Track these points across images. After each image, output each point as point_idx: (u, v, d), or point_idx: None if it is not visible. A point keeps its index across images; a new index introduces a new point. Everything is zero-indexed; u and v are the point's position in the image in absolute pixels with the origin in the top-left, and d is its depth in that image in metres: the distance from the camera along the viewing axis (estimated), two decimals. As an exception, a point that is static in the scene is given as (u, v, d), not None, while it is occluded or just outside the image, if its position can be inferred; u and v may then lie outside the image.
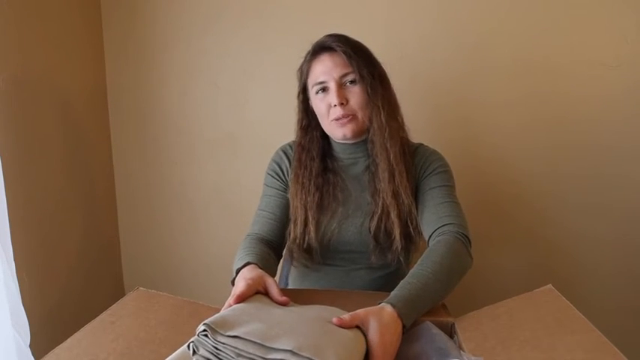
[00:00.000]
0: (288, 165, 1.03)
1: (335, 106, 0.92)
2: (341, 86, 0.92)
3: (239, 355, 0.54)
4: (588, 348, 0.58)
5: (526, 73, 1.35)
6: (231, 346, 0.55)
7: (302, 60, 0.99)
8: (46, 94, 1.27)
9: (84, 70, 1.43)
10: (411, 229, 0.94)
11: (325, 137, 1.02)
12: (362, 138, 0.97)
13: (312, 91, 0.96)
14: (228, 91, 1.49)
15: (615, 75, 1.31)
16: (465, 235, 0.86)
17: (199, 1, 1.44)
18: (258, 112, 1.49)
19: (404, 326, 0.68)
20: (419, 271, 0.77)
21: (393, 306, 0.68)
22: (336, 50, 0.92)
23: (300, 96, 1.00)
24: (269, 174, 1.04)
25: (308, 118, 1.01)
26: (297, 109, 1.01)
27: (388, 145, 0.92)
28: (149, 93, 1.52)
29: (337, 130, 0.95)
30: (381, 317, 0.65)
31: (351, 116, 0.93)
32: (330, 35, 0.95)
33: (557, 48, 1.33)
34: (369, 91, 0.92)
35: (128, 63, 1.51)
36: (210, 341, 0.56)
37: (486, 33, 1.34)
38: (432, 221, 0.90)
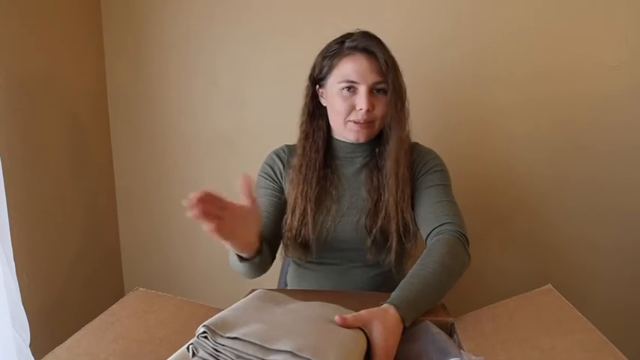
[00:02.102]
0: (282, 168, 1.02)
1: (360, 109, 0.91)
2: (370, 92, 0.91)
3: (239, 357, 0.54)
4: (588, 348, 0.58)
5: (526, 75, 1.35)
6: (231, 348, 0.55)
7: (327, 47, 0.96)
8: (46, 94, 1.27)
9: (84, 70, 1.43)
10: (405, 242, 0.94)
11: (329, 128, 1.01)
12: (367, 140, 0.97)
13: (334, 86, 0.93)
14: (227, 91, 1.49)
15: (615, 75, 1.31)
16: (463, 234, 0.86)
17: (198, 1, 1.44)
18: (258, 112, 1.49)
19: (404, 327, 0.68)
20: (419, 270, 0.78)
21: (396, 308, 0.69)
22: (375, 55, 0.90)
23: (312, 79, 0.98)
24: (261, 176, 1.03)
25: (314, 104, 1.00)
26: (304, 92, 1.00)
27: (401, 162, 0.93)
28: (149, 93, 1.52)
29: (351, 132, 0.94)
30: (385, 320, 0.66)
31: (370, 122, 0.93)
32: (369, 36, 0.93)
33: (557, 48, 1.33)
34: (398, 105, 0.92)
35: (128, 63, 1.51)
36: (209, 343, 0.56)
37: (485, 31, 1.34)
38: (430, 220, 0.90)
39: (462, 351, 0.62)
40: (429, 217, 0.91)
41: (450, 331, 0.71)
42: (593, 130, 1.35)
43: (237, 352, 0.54)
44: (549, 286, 0.74)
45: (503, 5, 1.33)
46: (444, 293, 0.78)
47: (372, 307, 0.68)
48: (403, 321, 0.68)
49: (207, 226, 0.65)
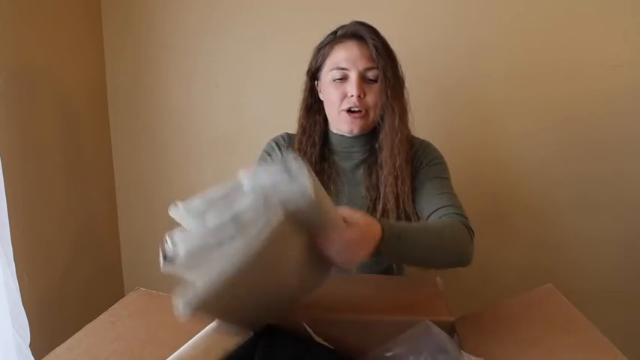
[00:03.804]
0: (280, 156, 1.01)
1: (352, 96, 0.89)
2: (362, 79, 0.90)
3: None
4: (588, 348, 0.58)
5: (526, 74, 1.35)
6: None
7: (323, 39, 0.97)
8: (47, 94, 1.27)
9: (84, 70, 1.43)
10: None
11: (326, 123, 1.00)
12: (362, 133, 0.96)
13: (327, 76, 0.93)
14: (228, 91, 1.48)
15: (615, 75, 1.31)
16: (469, 225, 0.84)
17: (199, 1, 1.44)
18: (258, 112, 1.49)
19: (381, 241, 0.66)
20: (420, 223, 0.78)
21: (382, 223, 0.67)
22: (366, 42, 0.90)
23: (310, 74, 0.98)
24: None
25: (312, 98, 0.99)
26: (303, 87, 1.00)
27: (397, 152, 0.91)
28: (149, 93, 1.52)
29: (344, 123, 0.93)
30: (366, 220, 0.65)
31: (364, 112, 0.91)
32: (361, 24, 0.92)
33: (557, 48, 1.33)
34: (389, 93, 0.90)
35: (128, 63, 1.51)
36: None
37: (485, 31, 1.34)
38: (432, 205, 0.88)
39: (462, 351, 0.62)
40: (430, 204, 0.89)
41: (450, 331, 0.71)
42: (594, 129, 1.35)
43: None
44: (550, 285, 0.74)
45: (503, 5, 1.33)
46: (434, 255, 0.76)
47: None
48: (383, 232, 0.66)
49: None
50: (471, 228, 0.85)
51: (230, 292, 0.51)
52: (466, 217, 0.86)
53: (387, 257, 0.71)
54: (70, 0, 1.36)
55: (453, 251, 0.78)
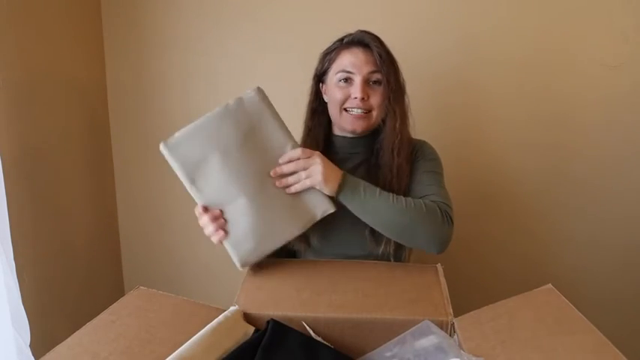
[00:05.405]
0: None
1: (355, 98, 0.94)
2: (366, 83, 0.95)
3: None
4: (588, 348, 0.58)
5: (525, 72, 1.35)
6: None
7: (329, 45, 1.01)
8: (47, 94, 1.27)
9: (84, 70, 1.43)
10: None
11: (329, 125, 1.04)
12: (363, 135, 0.99)
13: (333, 78, 0.98)
14: (228, 91, 1.48)
15: (615, 75, 1.32)
16: (446, 212, 0.86)
17: (199, 1, 1.44)
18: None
19: (339, 187, 0.84)
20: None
21: (345, 175, 0.85)
22: (371, 48, 0.95)
23: (316, 78, 1.03)
24: None
25: (317, 101, 1.03)
26: (309, 90, 1.04)
27: (396, 152, 0.94)
28: (149, 93, 1.51)
29: (347, 123, 0.96)
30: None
31: (367, 112, 0.95)
32: (367, 32, 0.97)
33: (557, 47, 1.33)
34: (391, 97, 0.95)
35: (128, 63, 1.51)
36: None
37: (486, 31, 1.35)
38: (418, 194, 0.92)
39: (461, 351, 0.62)
40: (417, 192, 0.93)
41: (450, 331, 0.71)
42: (593, 130, 1.36)
43: None
44: (550, 285, 0.74)
45: (502, 6, 1.33)
46: (399, 215, 0.83)
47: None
48: (342, 179, 0.85)
49: (215, 238, 0.89)
50: (448, 215, 0.87)
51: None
52: (449, 207, 0.89)
53: (351, 203, 0.85)
54: (70, 0, 1.36)
55: (418, 221, 0.84)
